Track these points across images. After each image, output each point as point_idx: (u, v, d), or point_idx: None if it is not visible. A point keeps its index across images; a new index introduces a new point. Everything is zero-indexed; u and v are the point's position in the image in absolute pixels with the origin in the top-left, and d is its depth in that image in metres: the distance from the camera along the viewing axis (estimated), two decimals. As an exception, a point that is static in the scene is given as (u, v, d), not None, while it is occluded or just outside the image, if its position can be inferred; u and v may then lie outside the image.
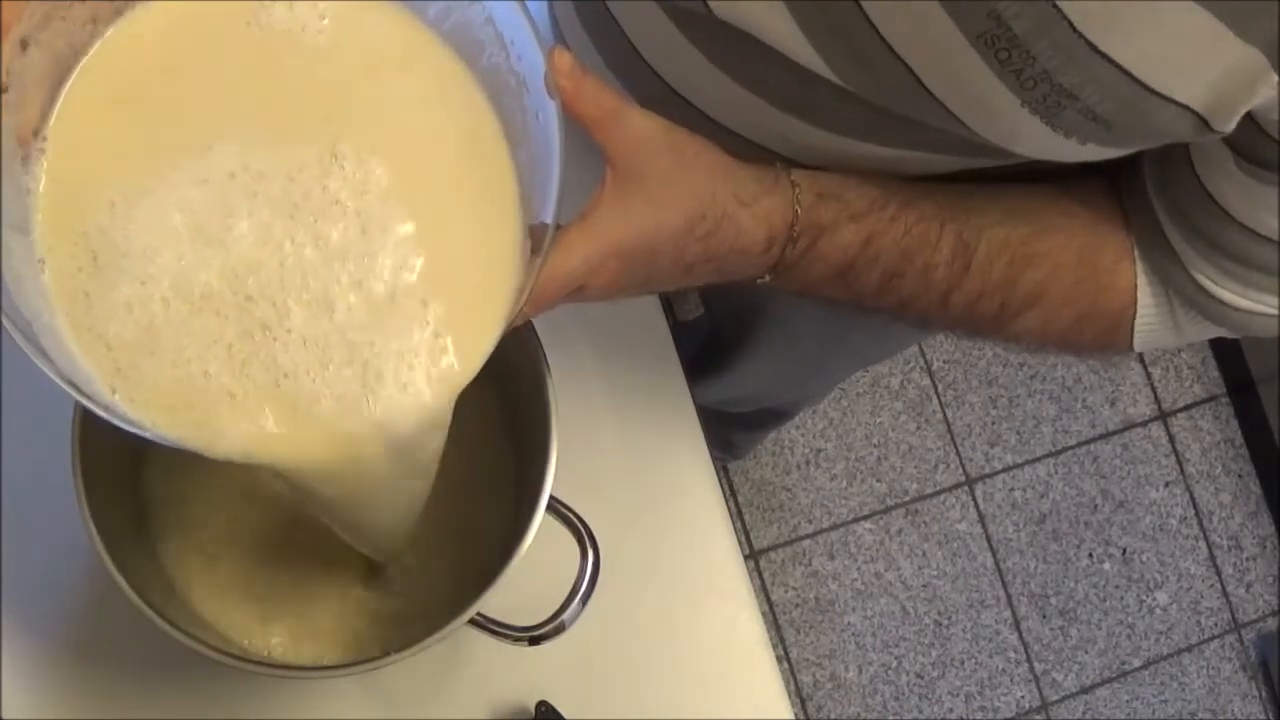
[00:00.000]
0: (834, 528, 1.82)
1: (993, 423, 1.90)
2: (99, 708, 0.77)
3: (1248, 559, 1.94)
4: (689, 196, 0.59)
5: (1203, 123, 0.54)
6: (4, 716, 0.76)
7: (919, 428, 1.87)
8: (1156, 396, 1.96)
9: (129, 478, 0.74)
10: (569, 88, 0.54)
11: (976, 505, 1.87)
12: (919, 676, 1.81)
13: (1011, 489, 1.88)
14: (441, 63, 0.56)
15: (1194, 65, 0.51)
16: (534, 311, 0.56)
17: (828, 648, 1.78)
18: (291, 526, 0.76)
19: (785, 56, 0.59)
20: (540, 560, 0.67)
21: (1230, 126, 0.54)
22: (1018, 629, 1.85)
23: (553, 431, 0.69)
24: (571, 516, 0.71)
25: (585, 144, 0.56)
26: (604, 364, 0.87)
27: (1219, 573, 1.93)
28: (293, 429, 0.51)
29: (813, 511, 1.82)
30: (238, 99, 0.54)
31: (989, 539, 1.86)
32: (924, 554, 1.84)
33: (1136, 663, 1.87)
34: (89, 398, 0.48)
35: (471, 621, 0.67)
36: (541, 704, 0.80)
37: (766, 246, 0.62)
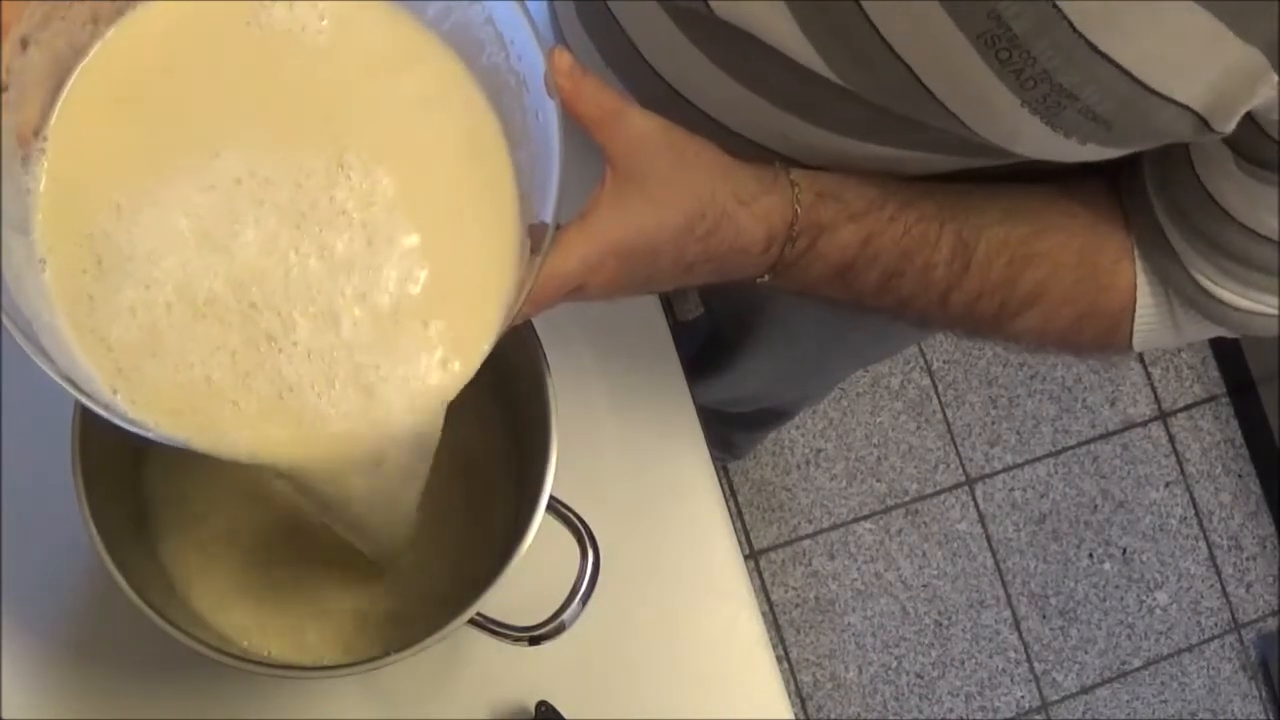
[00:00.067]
0: (834, 528, 1.82)
1: (993, 423, 1.90)
2: (99, 708, 0.77)
3: (1248, 559, 1.94)
4: (688, 196, 0.59)
5: (1203, 123, 0.54)
6: (4, 716, 0.76)
7: (919, 428, 1.87)
8: (1156, 396, 1.96)
9: (129, 477, 0.74)
10: (569, 87, 0.54)
11: (976, 505, 1.87)
12: (919, 676, 1.81)
13: (1011, 489, 1.88)
14: (441, 63, 0.56)
15: (1194, 65, 0.51)
16: (533, 311, 0.56)
17: (828, 648, 1.78)
18: (292, 526, 0.76)
19: (785, 56, 0.59)
20: (540, 560, 0.67)
21: (1230, 127, 0.54)
22: (1018, 629, 1.85)
23: (553, 431, 0.69)
24: (571, 516, 0.71)
25: (585, 144, 0.56)
26: (604, 364, 0.87)
27: (1219, 573, 1.93)
28: (296, 435, 0.51)
29: (813, 511, 1.82)
30: (238, 100, 0.54)
31: (989, 539, 1.86)
32: (924, 554, 1.84)
33: (1136, 663, 1.87)
34: (89, 396, 0.48)
35: (471, 621, 0.67)
36: (541, 704, 0.80)
37: (766, 246, 0.62)
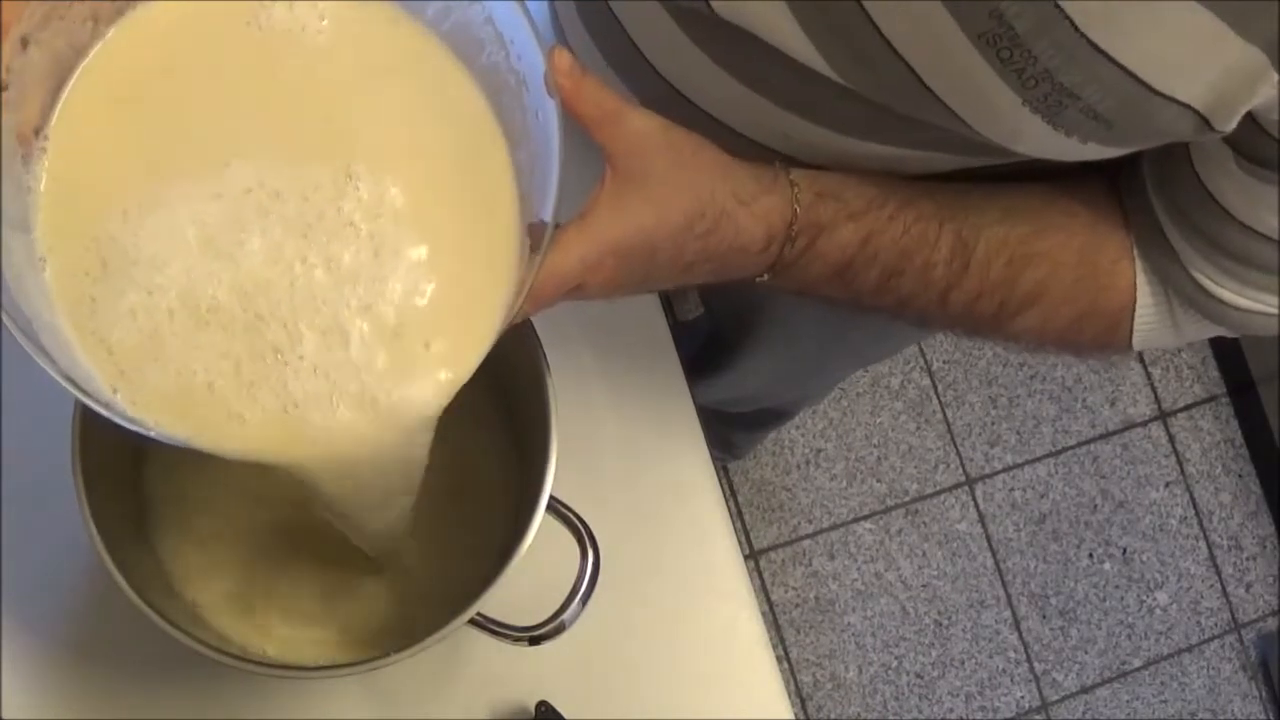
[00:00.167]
0: (834, 528, 1.82)
1: (993, 423, 1.90)
2: (99, 708, 0.77)
3: (1248, 559, 1.94)
4: (688, 196, 0.59)
5: (1204, 122, 0.54)
6: (4, 716, 0.76)
7: (919, 428, 1.87)
8: (1156, 396, 1.96)
9: (129, 476, 0.74)
10: (568, 87, 0.54)
11: (976, 505, 1.87)
12: (919, 676, 1.80)
13: (1011, 489, 1.88)
14: (440, 63, 0.56)
15: (1195, 64, 0.51)
16: (533, 309, 0.56)
17: (828, 648, 1.78)
18: (292, 526, 0.76)
19: (786, 55, 0.59)
20: (540, 560, 0.67)
21: (1231, 126, 0.54)
22: (1018, 629, 1.85)
23: (553, 431, 0.69)
24: (571, 516, 0.71)
25: (585, 143, 0.56)
26: (604, 364, 0.87)
27: (1219, 573, 1.93)
28: (298, 439, 0.51)
29: (813, 511, 1.82)
30: (239, 101, 0.54)
31: (989, 539, 1.86)
32: (924, 554, 1.84)
33: (1136, 663, 1.87)
34: (89, 395, 0.48)
35: (471, 621, 0.67)
36: (541, 704, 0.80)
37: (765, 245, 0.62)
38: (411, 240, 0.53)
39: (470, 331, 0.53)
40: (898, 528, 1.84)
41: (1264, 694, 1.91)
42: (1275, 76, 0.51)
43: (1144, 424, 1.94)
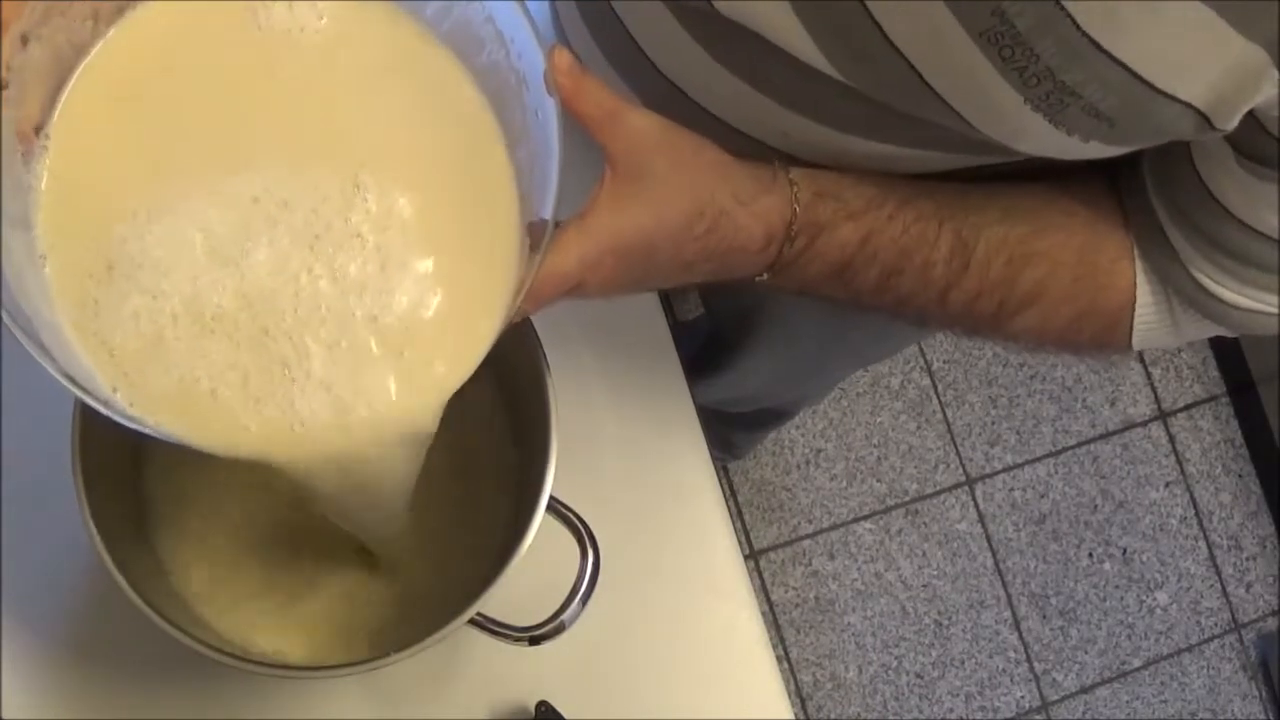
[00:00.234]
0: (834, 528, 1.82)
1: (993, 423, 1.89)
2: (99, 708, 0.77)
3: (1248, 559, 1.94)
4: (687, 196, 0.59)
5: (1205, 121, 0.54)
6: (4, 716, 0.76)
7: (919, 428, 1.87)
8: (1156, 396, 1.96)
9: (129, 476, 0.74)
10: (569, 85, 0.54)
11: (976, 505, 1.87)
12: (919, 676, 1.80)
13: (1011, 489, 1.88)
14: (440, 62, 0.56)
15: (1197, 63, 0.51)
16: (532, 308, 0.56)
17: (828, 648, 1.78)
18: (292, 526, 0.76)
19: (788, 54, 0.59)
20: (540, 560, 0.67)
21: (1232, 124, 0.54)
22: (1018, 629, 1.85)
23: (553, 431, 0.69)
24: (571, 516, 0.71)
25: (585, 143, 0.56)
26: (604, 364, 0.87)
27: (1219, 573, 1.93)
28: (299, 444, 0.51)
29: (813, 511, 1.82)
30: (239, 101, 0.54)
31: (989, 539, 1.86)
32: (924, 554, 1.84)
33: (1136, 663, 1.87)
34: (89, 393, 0.48)
35: (471, 621, 0.67)
36: (541, 704, 0.80)
37: (764, 244, 0.62)
38: (417, 251, 0.53)
39: (470, 331, 0.53)
40: (898, 528, 1.84)
41: (1264, 694, 1.91)
42: (1276, 75, 0.51)
43: (1144, 424, 1.94)
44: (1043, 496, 1.89)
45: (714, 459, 0.89)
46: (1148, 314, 0.69)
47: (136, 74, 0.53)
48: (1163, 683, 1.87)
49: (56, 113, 0.52)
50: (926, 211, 0.65)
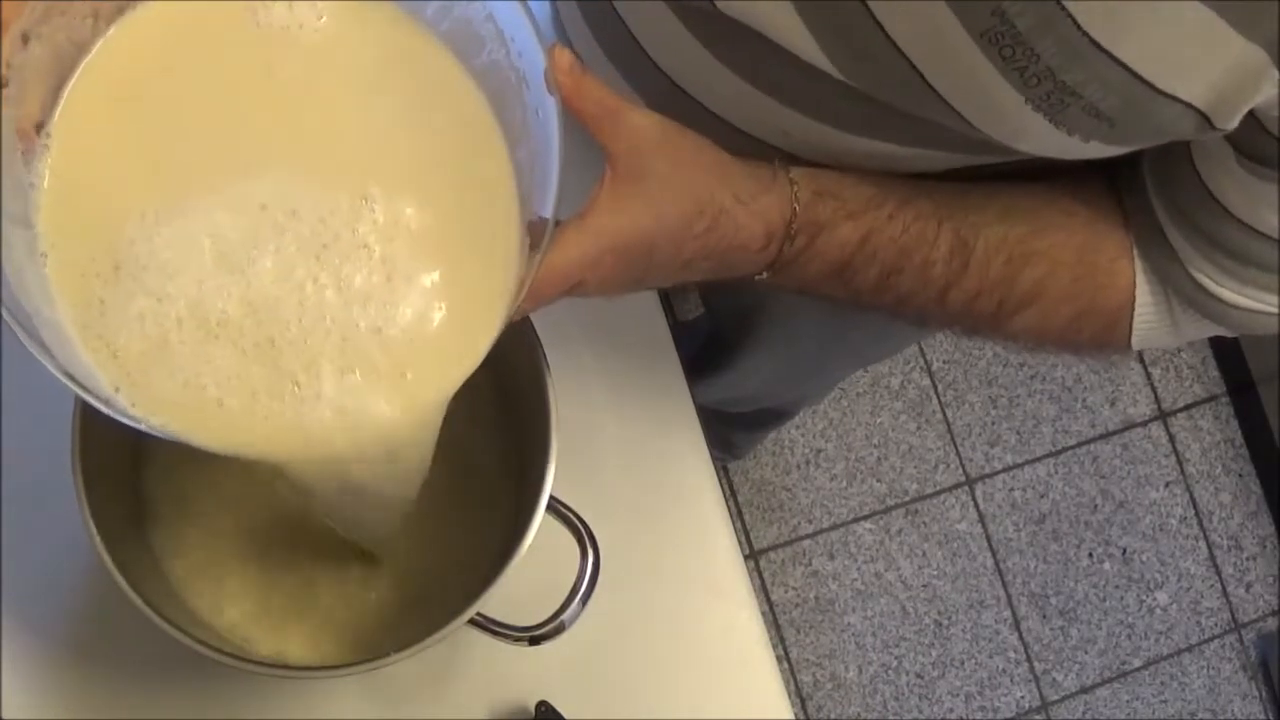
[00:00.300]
0: (834, 528, 1.82)
1: (993, 423, 1.89)
2: (99, 708, 0.77)
3: (1248, 559, 1.94)
4: (687, 195, 0.59)
5: (1205, 120, 0.54)
6: (4, 716, 0.76)
7: (919, 428, 1.87)
8: (1156, 396, 1.96)
9: (129, 476, 0.74)
10: (569, 84, 0.54)
11: (976, 505, 1.87)
12: (919, 676, 1.80)
13: (1011, 489, 1.88)
14: (440, 61, 0.56)
15: (1197, 63, 0.51)
16: (532, 307, 0.56)
17: (828, 648, 1.78)
18: (292, 527, 0.76)
19: (790, 53, 0.59)
20: (540, 560, 0.67)
21: (1232, 124, 0.54)
22: (1018, 629, 1.85)
23: (553, 431, 0.69)
24: (571, 516, 0.71)
25: (585, 142, 0.56)
26: (604, 364, 0.87)
27: (1219, 573, 1.93)
28: (301, 447, 0.52)
29: (813, 511, 1.82)
30: (240, 101, 0.54)
31: (989, 539, 1.86)
32: (924, 554, 1.84)
33: (1136, 663, 1.87)
34: (89, 391, 0.48)
35: (471, 621, 0.67)
36: (541, 704, 0.80)
37: (764, 243, 0.62)
38: (422, 261, 0.53)
39: (471, 331, 0.53)
40: (898, 528, 1.84)
41: (1264, 694, 1.91)
42: (1276, 75, 0.51)
43: (1144, 424, 1.94)
44: (1043, 496, 1.89)
45: (714, 459, 0.89)
46: (1147, 314, 0.69)
47: (137, 73, 0.53)
48: (1163, 683, 1.87)
49: (58, 111, 0.52)
50: (926, 211, 0.65)
